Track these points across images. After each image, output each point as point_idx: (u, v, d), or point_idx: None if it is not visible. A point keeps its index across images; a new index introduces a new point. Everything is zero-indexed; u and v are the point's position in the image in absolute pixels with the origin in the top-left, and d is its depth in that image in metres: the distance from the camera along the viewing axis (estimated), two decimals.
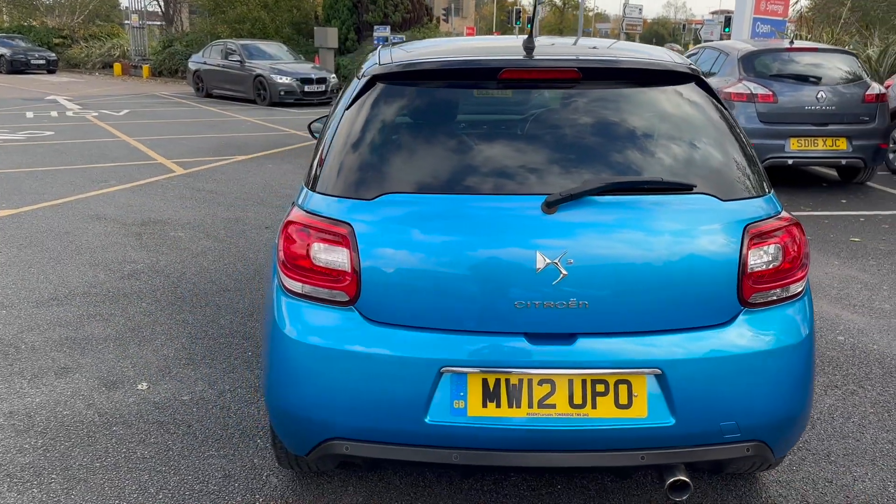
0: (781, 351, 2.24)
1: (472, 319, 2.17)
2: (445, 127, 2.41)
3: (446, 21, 42.98)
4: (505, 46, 2.77)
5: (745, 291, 2.21)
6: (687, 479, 2.23)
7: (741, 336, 2.21)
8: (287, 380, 2.30)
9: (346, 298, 2.24)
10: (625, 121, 2.39)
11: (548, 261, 2.12)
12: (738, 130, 2.46)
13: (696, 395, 2.17)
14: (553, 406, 2.17)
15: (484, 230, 2.18)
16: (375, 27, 19.75)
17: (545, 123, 2.39)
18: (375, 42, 19.61)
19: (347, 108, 2.48)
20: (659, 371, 2.15)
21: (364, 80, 2.50)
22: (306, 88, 17.98)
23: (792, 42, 8.43)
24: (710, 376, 2.17)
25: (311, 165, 2.51)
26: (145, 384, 3.55)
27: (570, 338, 2.17)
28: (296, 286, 2.31)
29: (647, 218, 2.19)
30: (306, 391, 2.27)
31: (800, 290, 2.32)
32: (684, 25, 69.53)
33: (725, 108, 2.50)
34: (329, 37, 21.43)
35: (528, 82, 2.43)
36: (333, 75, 19.09)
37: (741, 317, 2.23)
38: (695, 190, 2.24)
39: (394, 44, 3.12)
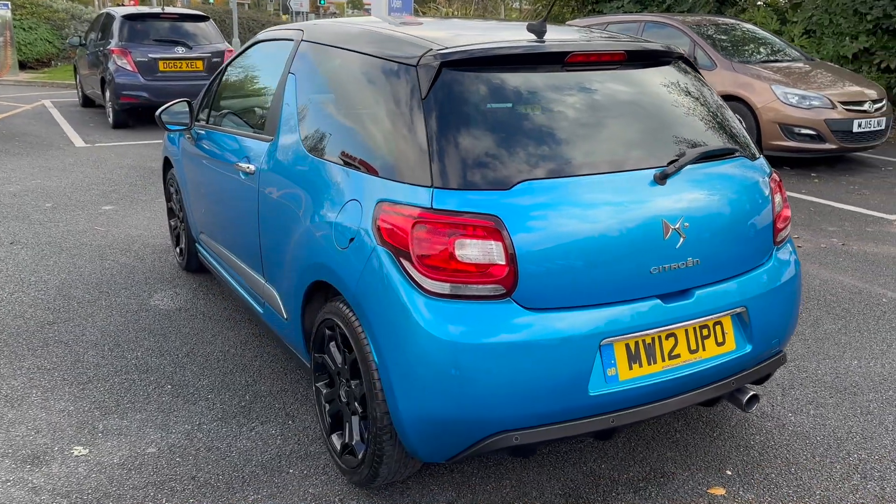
0: (795, 277, 2.80)
1: (618, 290, 2.33)
2: (535, 111, 2.44)
3: None
4: (513, 31, 2.86)
5: (776, 232, 2.72)
6: (758, 393, 2.70)
7: (779, 269, 2.73)
8: (444, 385, 2.19)
9: (503, 291, 2.21)
10: (663, 96, 2.70)
11: (672, 227, 2.37)
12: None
13: (764, 323, 2.63)
14: (678, 356, 2.44)
15: (617, 206, 2.33)
16: None
17: (609, 103, 2.58)
18: None
19: (424, 99, 2.36)
20: (744, 308, 2.56)
21: (429, 67, 2.40)
22: None
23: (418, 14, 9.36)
24: (771, 305, 2.65)
25: (402, 160, 2.34)
26: (81, 448, 2.87)
27: (687, 293, 2.45)
28: (442, 287, 2.19)
29: (723, 178, 2.57)
30: (470, 392, 2.19)
31: (790, 227, 2.91)
32: None
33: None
34: None
35: (588, 65, 2.59)
36: None
37: (774, 254, 2.74)
38: (737, 153, 2.67)
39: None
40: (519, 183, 2.25)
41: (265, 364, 3.59)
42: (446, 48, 2.45)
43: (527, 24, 2.79)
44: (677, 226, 2.38)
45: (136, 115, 11.05)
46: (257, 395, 3.29)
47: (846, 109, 8.05)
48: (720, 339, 2.54)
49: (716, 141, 2.65)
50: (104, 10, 11.99)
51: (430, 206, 2.23)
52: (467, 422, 2.23)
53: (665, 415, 2.50)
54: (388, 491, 2.66)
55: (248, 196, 3.24)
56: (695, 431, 3.07)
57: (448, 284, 2.20)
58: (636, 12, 13.35)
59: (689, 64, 2.91)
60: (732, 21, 10.38)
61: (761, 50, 9.51)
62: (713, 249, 2.48)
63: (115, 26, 10.72)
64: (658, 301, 2.39)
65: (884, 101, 8.38)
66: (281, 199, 2.94)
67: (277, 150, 3.03)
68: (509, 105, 2.41)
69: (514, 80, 2.47)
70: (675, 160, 2.44)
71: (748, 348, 2.59)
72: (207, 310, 4.24)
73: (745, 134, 2.82)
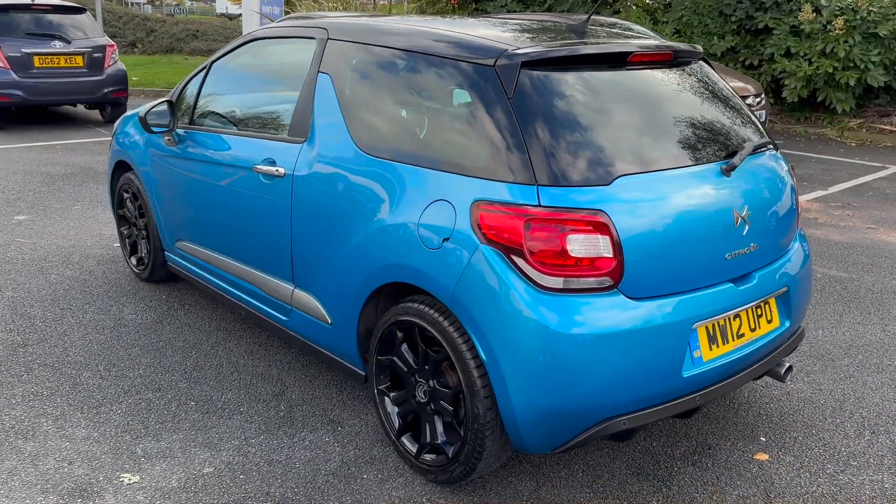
0: (809, 257, 3.09)
1: (703, 276, 2.49)
2: (614, 108, 2.54)
3: None
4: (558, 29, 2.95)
5: (797, 217, 2.99)
6: (792, 364, 2.96)
7: (803, 250, 3.00)
8: (561, 377, 2.26)
9: (611, 283, 2.30)
10: (704, 92, 2.89)
11: (740, 216, 2.56)
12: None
13: (798, 300, 2.90)
14: (743, 335, 2.64)
15: (699, 197, 2.49)
16: None
17: (670, 100, 2.74)
18: None
19: (510, 98, 2.40)
20: (786, 287, 2.80)
21: (509, 67, 2.44)
22: None
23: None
24: (802, 284, 2.92)
25: (496, 159, 2.37)
26: (129, 475, 2.67)
27: (749, 276, 2.65)
28: (556, 282, 2.26)
29: (765, 169, 2.81)
30: (585, 381, 2.28)
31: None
32: None
33: None
34: None
35: (644, 64, 2.72)
36: None
37: (797, 236, 3.00)
38: (769, 146, 2.91)
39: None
40: (617, 178, 2.34)
41: (284, 373, 3.47)
42: (520, 49, 2.50)
43: (567, 25, 2.89)
44: (743, 214, 2.57)
45: (9, 117, 10.13)
46: (292, 405, 3.19)
47: None
48: (770, 318, 2.76)
49: (754, 134, 2.87)
50: None
51: (537, 204, 2.28)
52: (581, 410, 2.31)
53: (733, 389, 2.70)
54: (470, 487, 2.68)
55: (275, 200, 3.12)
56: (718, 405, 3.31)
57: (561, 279, 2.26)
58: (519, 11, 13.77)
59: (708, 63, 3.12)
60: (613, 20, 10.98)
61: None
62: (766, 234, 2.70)
63: None
64: (731, 285, 2.57)
65: (762, 96, 9.18)
66: (330, 202, 2.86)
67: (318, 152, 2.94)
68: (592, 102, 2.50)
69: (588, 78, 2.56)
70: (736, 153, 2.63)
71: (787, 324, 2.84)
72: (191, 321, 4.02)
73: (761, 126, 3.08)
